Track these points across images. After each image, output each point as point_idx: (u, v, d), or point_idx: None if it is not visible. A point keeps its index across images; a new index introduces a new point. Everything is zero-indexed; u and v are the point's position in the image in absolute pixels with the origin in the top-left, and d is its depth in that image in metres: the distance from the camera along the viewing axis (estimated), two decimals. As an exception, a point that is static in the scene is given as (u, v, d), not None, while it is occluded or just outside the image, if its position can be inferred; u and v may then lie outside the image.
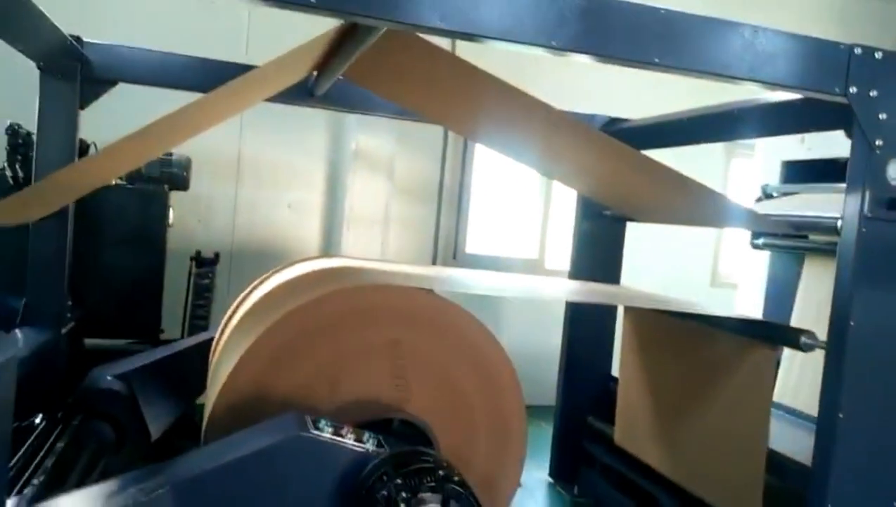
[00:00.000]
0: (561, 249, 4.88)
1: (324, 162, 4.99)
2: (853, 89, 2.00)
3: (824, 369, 2.14)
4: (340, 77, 2.77)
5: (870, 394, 2.10)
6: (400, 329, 2.21)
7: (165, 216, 3.76)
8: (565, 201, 4.78)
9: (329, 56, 2.52)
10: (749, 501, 2.45)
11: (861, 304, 2.10)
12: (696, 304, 2.79)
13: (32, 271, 2.89)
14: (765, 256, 3.93)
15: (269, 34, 3.70)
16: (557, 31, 1.75)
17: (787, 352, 3.44)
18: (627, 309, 3.38)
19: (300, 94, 3.15)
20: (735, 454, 2.56)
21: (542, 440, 4.00)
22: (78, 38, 2.87)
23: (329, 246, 4.99)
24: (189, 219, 4.53)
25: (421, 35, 1.99)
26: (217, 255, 4.17)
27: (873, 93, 2.02)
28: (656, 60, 1.85)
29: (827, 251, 3.25)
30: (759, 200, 3.79)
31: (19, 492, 1.95)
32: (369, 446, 1.77)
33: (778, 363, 3.45)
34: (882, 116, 2.07)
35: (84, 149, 3.21)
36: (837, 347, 2.10)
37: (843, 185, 2.11)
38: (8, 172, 3.19)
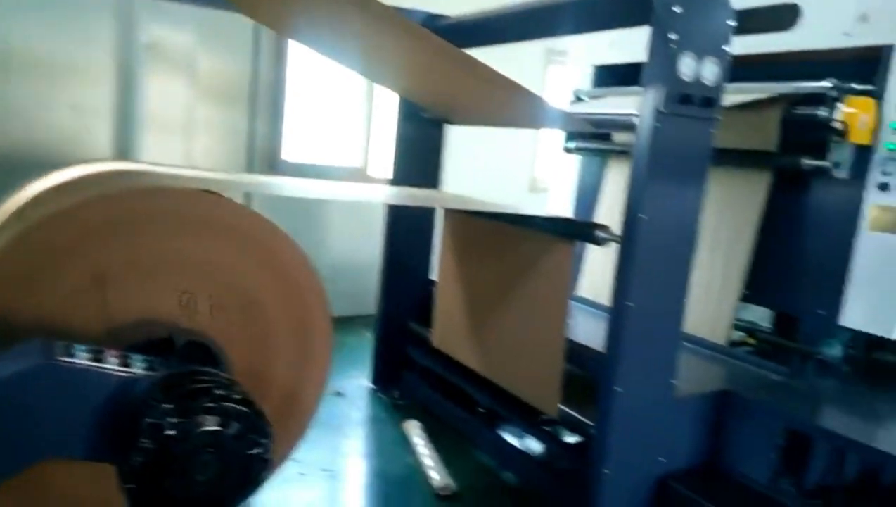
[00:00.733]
0: (386, 157, 4.72)
1: (111, 58, 4.34)
2: (651, -20, 2.00)
3: (617, 262, 2.22)
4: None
5: (656, 284, 2.22)
6: (183, 239, 1.96)
7: None
8: (390, 106, 4.58)
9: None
10: (548, 390, 2.57)
11: (652, 198, 2.17)
12: (512, 208, 2.79)
13: None
14: (576, 160, 4.04)
15: None
16: None
17: (595, 249, 3.61)
18: (447, 213, 3.34)
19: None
20: (537, 346, 2.65)
21: (366, 349, 3.96)
22: None
23: (125, 155, 4.42)
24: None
25: None
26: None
27: (669, -16, 2.02)
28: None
29: (627, 153, 3.38)
30: (571, 103, 3.85)
31: None
32: (136, 370, 1.56)
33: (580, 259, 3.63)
34: (677, 10, 2.09)
35: None
36: (629, 239, 2.18)
37: (646, 85, 2.15)
38: None
